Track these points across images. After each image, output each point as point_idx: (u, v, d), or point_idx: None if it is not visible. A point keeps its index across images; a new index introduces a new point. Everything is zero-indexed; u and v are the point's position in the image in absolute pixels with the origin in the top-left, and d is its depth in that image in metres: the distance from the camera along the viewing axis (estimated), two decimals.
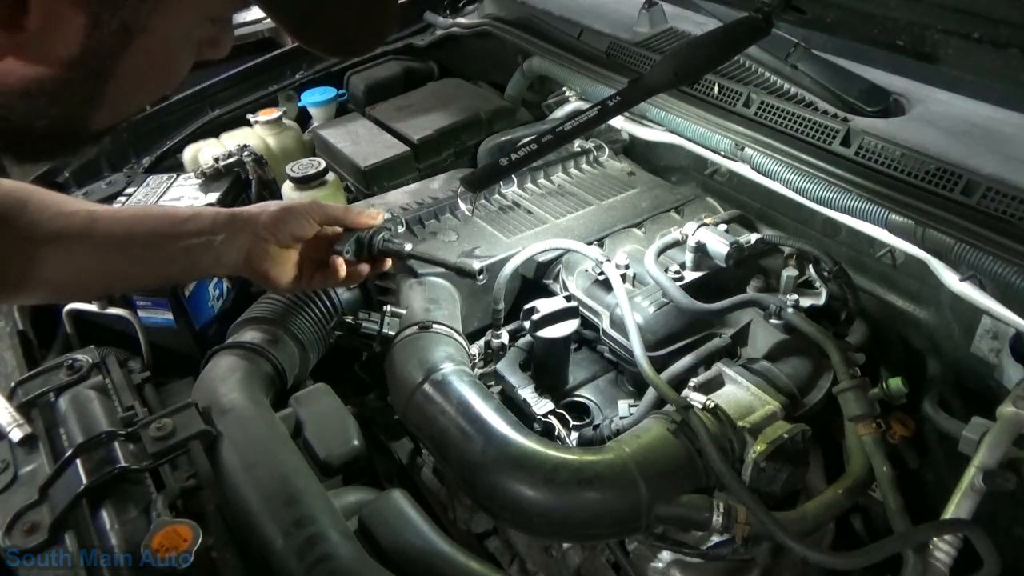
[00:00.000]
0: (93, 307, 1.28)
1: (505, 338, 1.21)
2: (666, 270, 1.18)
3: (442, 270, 1.21)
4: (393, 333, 1.15)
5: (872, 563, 0.87)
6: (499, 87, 1.84)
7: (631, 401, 1.12)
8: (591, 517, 0.91)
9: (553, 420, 1.09)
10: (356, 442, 1.10)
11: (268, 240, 1.02)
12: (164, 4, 0.53)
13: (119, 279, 1.04)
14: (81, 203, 1.02)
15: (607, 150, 1.56)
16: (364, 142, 1.63)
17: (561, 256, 1.29)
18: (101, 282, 1.04)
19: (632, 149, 1.61)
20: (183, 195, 1.51)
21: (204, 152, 1.68)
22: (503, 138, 1.60)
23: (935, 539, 0.86)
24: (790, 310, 1.09)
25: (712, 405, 0.98)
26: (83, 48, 0.53)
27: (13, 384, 1.06)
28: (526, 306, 1.15)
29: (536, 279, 1.31)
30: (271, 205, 1.05)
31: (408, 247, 1.13)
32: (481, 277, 1.16)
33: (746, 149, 1.25)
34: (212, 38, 0.62)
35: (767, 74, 1.32)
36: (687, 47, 1.11)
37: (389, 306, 1.18)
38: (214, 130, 1.80)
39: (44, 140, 0.61)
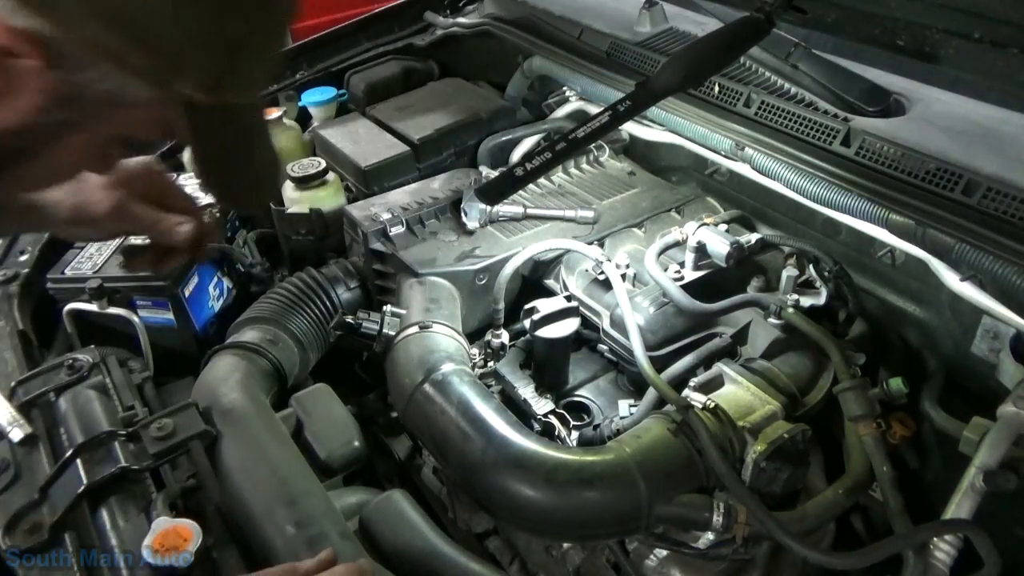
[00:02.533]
0: (93, 307, 1.27)
1: (505, 338, 1.21)
2: (666, 270, 1.18)
3: (441, 270, 1.21)
4: (393, 333, 1.15)
5: (872, 563, 0.87)
6: (499, 87, 1.83)
7: (631, 401, 1.12)
8: (591, 517, 0.91)
9: (553, 420, 1.10)
10: (356, 442, 1.10)
11: None
12: None
13: None
14: None
15: (607, 150, 1.55)
16: (364, 142, 1.62)
17: (561, 256, 1.29)
18: None
19: (632, 149, 1.61)
20: None
21: None
22: (503, 138, 1.60)
23: (935, 539, 0.86)
24: (790, 310, 1.09)
25: (712, 405, 0.98)
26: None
27: (13, 384, 1.06)
28: (526, 306, 1.15)
29: (536, 279, 1.31)
30: None
31: None
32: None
33: (746, 149, 1.25)
34: None
35: (767, 74, 1.32)
36: (692, 50, 1.10)
37: (389, 306, 1.18)
38: None
39: None
